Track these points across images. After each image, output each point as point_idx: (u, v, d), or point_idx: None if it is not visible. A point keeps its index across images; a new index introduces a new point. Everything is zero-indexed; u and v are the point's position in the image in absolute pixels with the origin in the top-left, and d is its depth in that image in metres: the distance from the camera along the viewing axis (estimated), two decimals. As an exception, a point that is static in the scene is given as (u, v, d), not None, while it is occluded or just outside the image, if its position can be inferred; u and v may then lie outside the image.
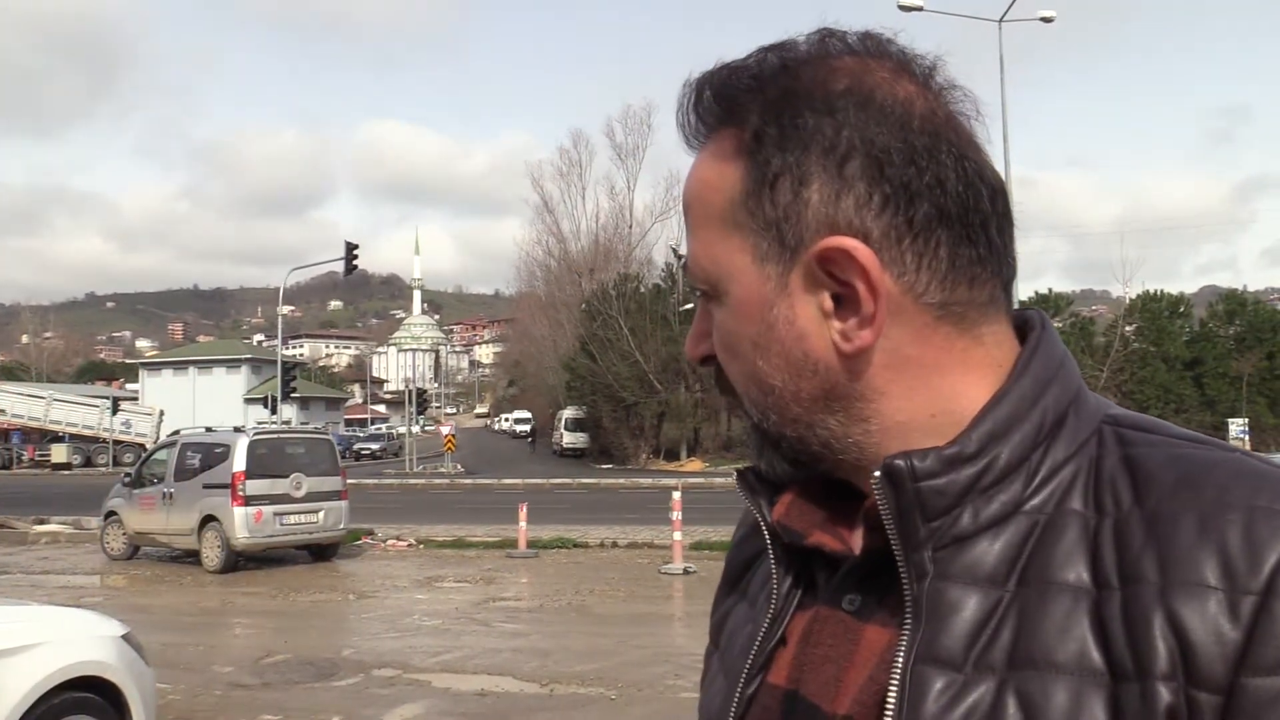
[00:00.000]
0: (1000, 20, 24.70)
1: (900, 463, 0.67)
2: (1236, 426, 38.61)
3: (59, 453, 48.68)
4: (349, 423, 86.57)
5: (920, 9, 23.42)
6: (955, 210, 0.69)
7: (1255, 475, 0.64)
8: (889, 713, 0.66)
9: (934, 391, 0.71)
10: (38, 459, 49.33)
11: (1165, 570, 0.61)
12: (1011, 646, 0.64)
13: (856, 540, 0.74)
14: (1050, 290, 47.48)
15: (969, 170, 0.70)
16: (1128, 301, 46.06)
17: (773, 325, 0.71)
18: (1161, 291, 46.79)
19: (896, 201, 0.68)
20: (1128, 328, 44.75)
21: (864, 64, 0.71)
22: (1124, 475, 0.67)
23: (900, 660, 0.66)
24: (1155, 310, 45.80)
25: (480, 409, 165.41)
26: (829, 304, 0.70)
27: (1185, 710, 0.59)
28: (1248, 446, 36.65)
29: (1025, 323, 0.76)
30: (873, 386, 0.71)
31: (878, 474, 0.68)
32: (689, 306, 45.66)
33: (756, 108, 0.71)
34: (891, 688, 0.66)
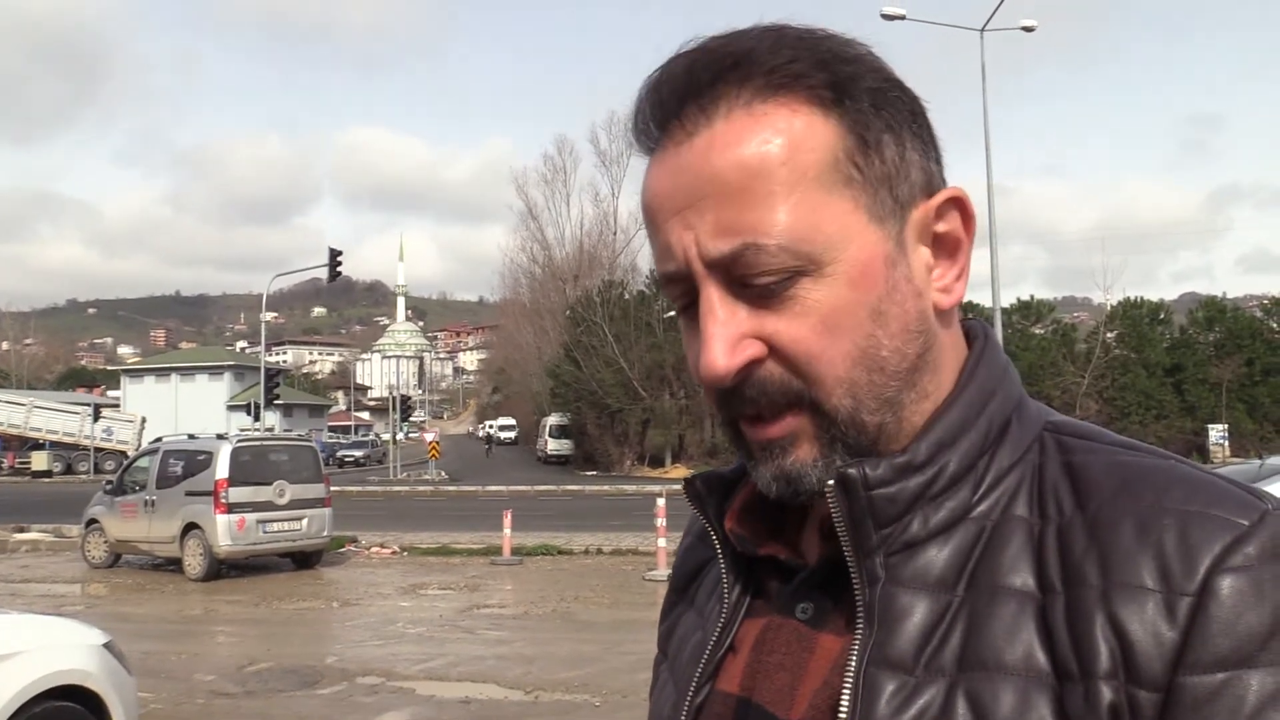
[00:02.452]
0: (982, 29, 24.83)
1: (854, 471, 0.68)
2: (1216, 432, 38.89)
3: (39, 460, 48.26)
4: (332, 430, 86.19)
5: (903, 17, 23.55)
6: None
7: (1190, 481, 0.66)
8: (842, 716, 0.67)
9: (943, 369, 0.73)
10: (18, 466, 48.90)
11: (1106, 573, 0.63)
12: (961, 649, 0.65)
13: (809, 548, 0.76)
14: (1032, 297, 47.81)
15: None
16: (1109, 308, 46.34)
17: (896, 286, 0.68)
18: (1142, 298, 47.12)
19: (940, 163, 0.73)
20: (1109, 334, 45.02)
21: (841, 40, 0.73)
22: (1065, 482, 0.69)
23: (853, 664, 0.67)
24: (1136, 317, 46.09)
25: (459, 419, 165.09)
26: (930, 259, 0.72)
27: (1127, 708, 0.61)
28: (1227, 452, 36.93)
29: (968, 333, 0.78)
30: (943, 352, 0.73)
31: (831, 483, 0.69)
32: (673, 313, 45.55)
33: (820, 72, 0.67)
34: (845, 691, 0.67)
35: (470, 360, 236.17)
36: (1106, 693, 0.61)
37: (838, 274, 0.66)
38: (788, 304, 0.67)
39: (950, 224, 0.71)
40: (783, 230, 0.65)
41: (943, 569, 0.68)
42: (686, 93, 0.68)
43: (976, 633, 0.65)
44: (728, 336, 0.67)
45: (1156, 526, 0.63)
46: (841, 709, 0.67)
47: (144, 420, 52.91)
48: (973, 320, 0.79)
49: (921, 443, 0.70)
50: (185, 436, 16.75)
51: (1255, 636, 0.60)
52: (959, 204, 0.71)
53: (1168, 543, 0.62)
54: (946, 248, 0.71)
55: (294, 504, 15.03)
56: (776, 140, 0.66)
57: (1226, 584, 0.60)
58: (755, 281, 0.66)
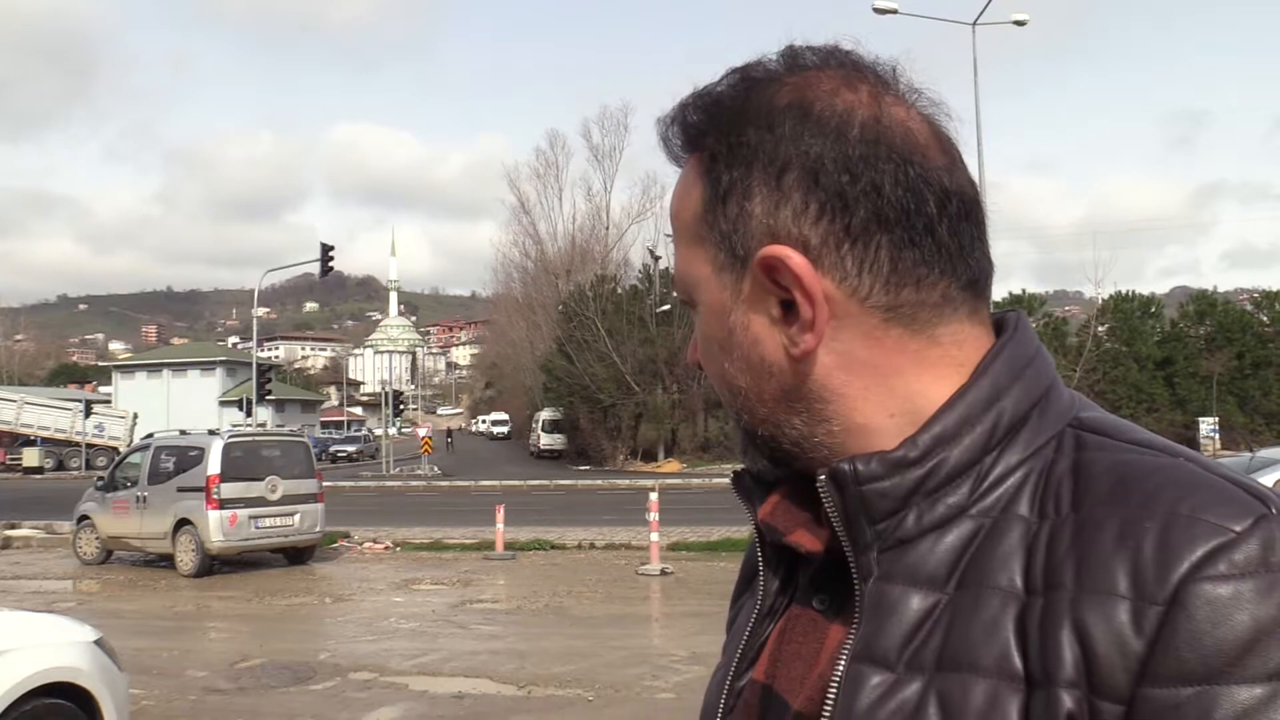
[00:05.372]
0: (974, 23, 24.86)
1: (845, 466, 0.69)
2: (1207, 425, 39.06)
3: (31, 456, 48.08)
4: (325, 425, 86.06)
5: (895, 12, 23.55)
6: (894, 215, 0.70)
7: (1188, 482, 0.63)
8: (827, 708, 0.68)
9: (890, 393, 0.72)
10: (9, 463, 48.70)
11: (1080, 578, 0.62)
12: (942, 648, 0.65)
13: (825, 540, 0.76)
14: (1024, 291, 47.97)
15: (911, 175, 0.71)
16: (1100, 302, 46.47)
17: (733, 331, 0.75)
18: (1133, 292, 47.34)
19: (832, 209, 0.70)
20: (1100, 328, 45.15)
21: (812, 78, 0.73)
22: (1069, 480, 0.67)
23: (843, 657, 0.69)
24: (1127, 311, 46.27)
25: (451, 410, 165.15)
26: (777, 310, 0.73)
27: (1087, 718, 0.59)
28: (1218, 445, 37.08)
29: (1001, 324, 0.77)
30: (828, 388, 0.73)
31: (822, 477, 0.70)
32: (665, 308, 45.70)
33: (713, 130, 0.75)
34: (833, 684, 0.68)
35: (463, 355, 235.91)
36: (1067, 701, 0.60)
37: (701, 313, 0.78)
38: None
39: (784, 279, 0.71)
40: (676, 270, 0.81)
41: (935, 566, 0.68)
42: (676, 133, 0.79)
43: (958, 631, 0.65)
44: (694, 337, 0.82)
45: (1138, 530, 0.61)
46: (828, 700, 0.69)
47: (136, 416, 52.78)
48: (1008, 311, 0.78)
49: (918, 439, 0.69)
50: (177, 432, 16.71)
51: (1226, 651, 0.57)
52: (779, 262, 0.70)
53: (1145, 547, 0.60)
54: (790, 300, 0.71)
55: (286, 500, 15.00)
56: (676, 196, 0.79)
57: (1200, 593, 0.58)
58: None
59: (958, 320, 0.74)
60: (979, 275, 0.75)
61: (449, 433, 72.58)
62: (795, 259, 0.70)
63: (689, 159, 0.78)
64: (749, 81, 0.75)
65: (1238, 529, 0.60)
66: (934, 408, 0.71)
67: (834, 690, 0.68)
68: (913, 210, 0.70)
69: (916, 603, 0.67)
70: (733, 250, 0.73)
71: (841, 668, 0.68)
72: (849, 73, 0.74)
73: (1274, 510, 0.61)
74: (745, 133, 0.73)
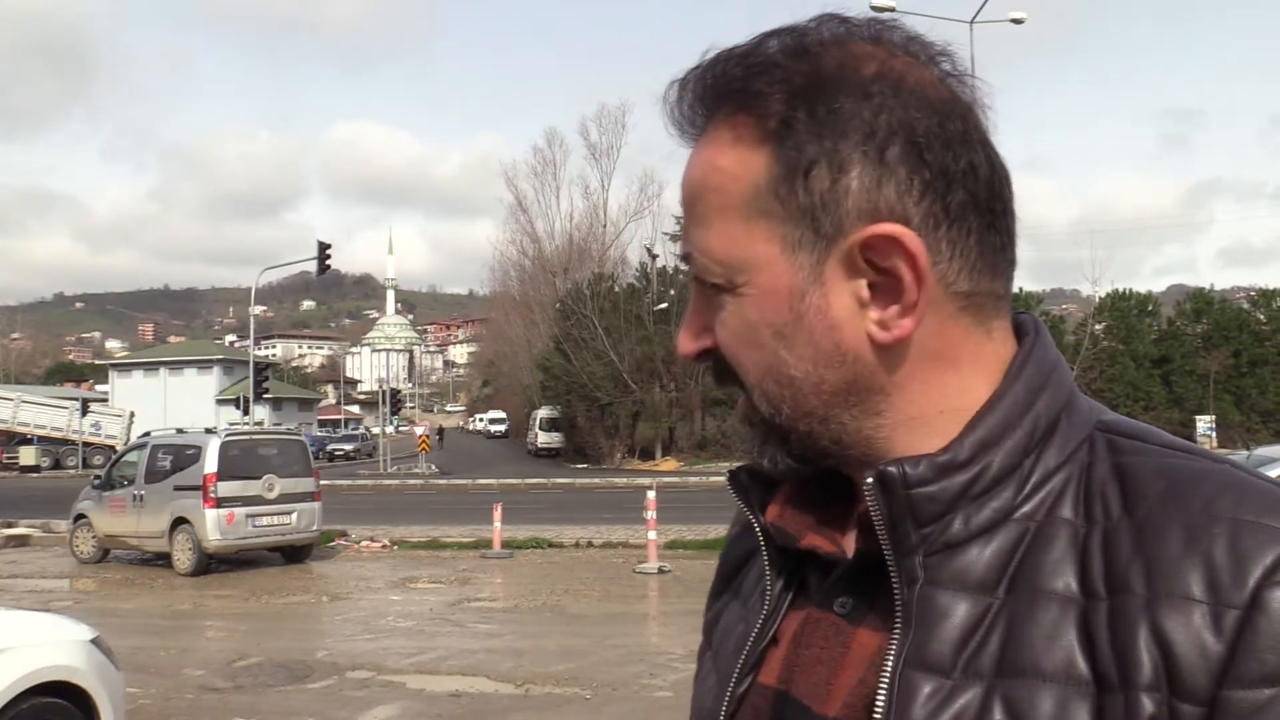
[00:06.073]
0: (971, 21, 24.86)
1: (893, 469, 0.67)
2: (1204, 423, 39.12)
3: (27, 455, 48.02)
4: (322, 423, 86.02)
5: (892, 10, 23.52)
6: (985, 197, 0.69)
7: (1242, 487, 0.64)
8: (877, 716, 0.66)
9: (946, 387, 0.71)
10: (6, 461, 48.61)
11: (1152, 582, 0.62)
12: (1000, 653, 0.64)
13: (849, 543, 0.74)
14: (1021, 289, 47.88)
15: (993, 157, 0.70)
16: (1097, 300, 46.51)
17: (803, 315, 0.70)
18: (1130, 290, 47.37)
19: (935, 187, 0.67)
20: (1097, 326, 45.18)
21: (885, 48, 0.70)
22: (1114, 484, 0.67)
23: (890, 664, 0.67)
24: (1124, 309, 46.31)
25: (455, 407, 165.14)
26: (865, 293, 0.69)
27: None
28: (1214, 443, 37.13)
29: (1019, 327, 0.76)
30: (895, 380, 0.70)
31: (870, 480, 0.68)
32: (663, 306, 45.66)
33: (780, 92, 0.69)
34: (880, 691, 0.66)
35: (460, 353, 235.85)
36: (1148, 705, 0.60)
37: (747, 296, 0.71)
38: (722, 309, 0.73)
39: (887, 260, 0.67)
40: (708, 250, 0.72)
41: (983, 570, 0.67)
42: (701, 95, 0.73)
43: (1016, 636, 0.64)
44: (692, 326, 0.76)
45: (1206, 535, 0.61)
46: (877, 709, 0.66)
47: (132, 415, 52.69)
48: (1024, 315, 0.77)
49: (964, 442, 0.68)
50: (174, 431, 16.70)
51: None
52: (890, 241, 0.66)
53: (1217, 552, 0.61)
54: (885, 282, 0.68)
55: (283, 498, 14.98)
56: (716, 165, 0.71)
57: (1277, 597, 0.59)
58: (703, 280, 0.74)
59: (1006, 315, 0.74)
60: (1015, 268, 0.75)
61: (440, 430, 72.62)
62: (910, 238, 0.66)
63: (727, 123, 0.71)
64: (816, 44, 0.70)
65: None
66: (978, 405, 0.70)
67: (882, 698, 0.66)
68: (996, 194, 0.70)
69: (966, 608, 0.66)
70: (817, 227, 0.68)
71: (888, 675, 0.66)
72: (913, 47, 0.71)
73: None
74: (834, 99, 0.67)
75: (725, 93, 0.71)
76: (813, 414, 0.72)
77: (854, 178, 0.67)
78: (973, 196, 0.68)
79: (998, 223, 0.70)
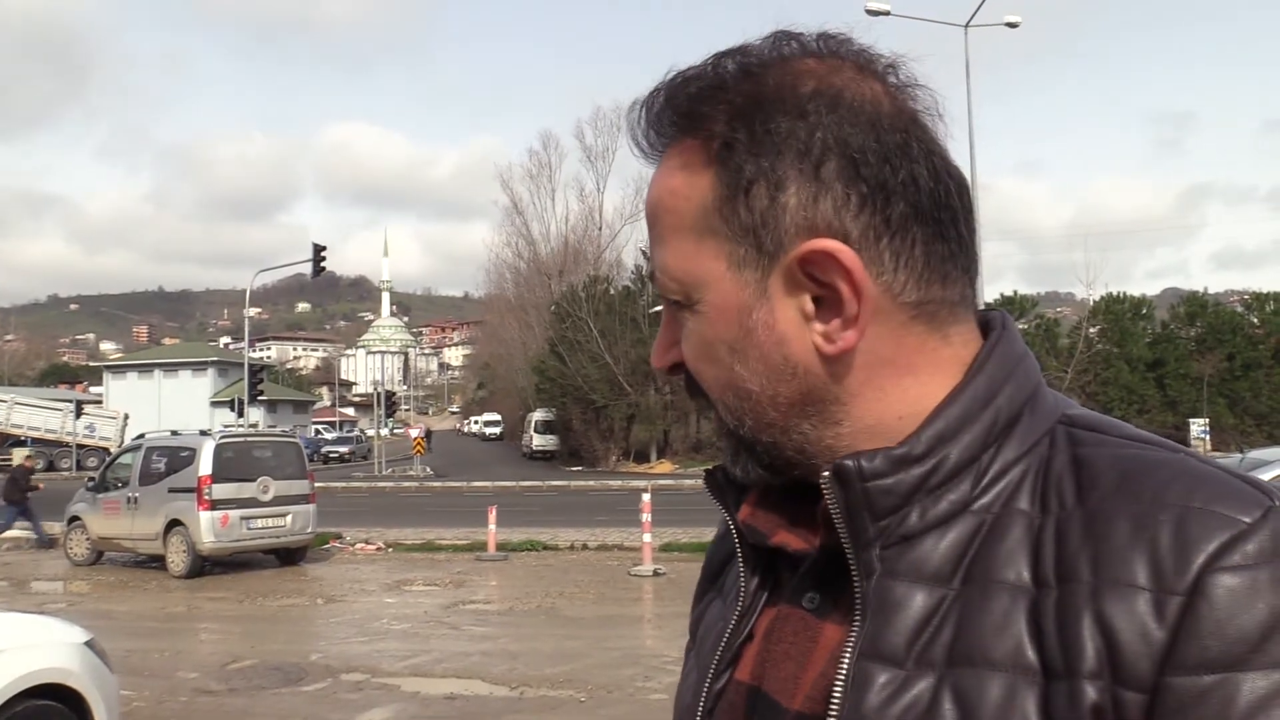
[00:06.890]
0: (966, 25, 24.89)
1: (849, 463, 0.69)
2: (1198, 426, 39.14)
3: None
4: (317, 425, 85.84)
5: (888, 13, 23.58)
6: (928, 207, 0.70)
7: (1195, 476, 0.64)
8: (833, 707, 0.67)
9: (903, 393, 0.72)
10: (-1, 464, 48.55)
11: (1098, 570, 0.62)
12: (952, 643, 0.65)
13: (817, 540, 0.75)
14: (1015, 293, 47.96)
15: (938, 166, 0.71)
16: (1091, 303, 46.55)
17: (751, 330, 0.71)
18: (1125, 294, 47.35)
19: (874, 201, 0.68)
20: (1091, 329, 45.22)
21: (827, 65, 0.72)
22: (1070, 475, 0.68)
23: (847, 656, 0.68)
24: (1118, 312, 46.32)
25: (453, 409, 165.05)
26: (810, 307, 0.70)
27: (1111, 708, 0.60)
28: (1209, 446, 37.17)
29: (987, 324, 0.77)
30: (848, 389, 0.71)
31: (826, 474, 0.69)
32: (658, 309, 45.52)
33: (722, 115, 0.71)
34: (837, 682, 0.67)
35: (455, 356, 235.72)
36: (1090, 692, 0.60)
37: (702, 313, 0.73)
38: (685, 325, 0.76)
39: (826, 274, 0.68)
40: (663, 266, 0.75)
41: (939, 562, 0.68)
42: (654, 119, 0.75)
43: (968, 626, 0.65)
44: (661, 340, 0.79)
45: (1152, 522, 0.62)
46: (834, 700, 0.67)
47: (127, 417, 52.57)
48: (993, 311, 0.78)
49: (921, 435, 0.69)
50: (168, 433, 16.69)
51: (1248, 638, 0.58)
52: (826, 256, 0.68)
53: (1162, 539, 0.61)
54: (828, 296, 0.69)
55: (278, 500, 14.97)
56: (669, 187, 0.74)
57: (1220, 583, 0.59)
58: (666, 297, 0.76)
59: (966, 319, 0.74)
60: (978, 272, 0.75)
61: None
62: (845, 253, 0.67)
63: (677, 146, 0.73)
64: (758, 65, 0.72)
65: (1248, 520, 0.61)
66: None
67: (839, 689, 0.67)
68: (942, 203, 0.70)
69: (922, 599, 0.67)
70: (759, 245, 0.70)
71: (845, 666, 0.67)
72: (860, 61, 0.72)
73: (1277, 502, 0.63)
74: (771, 119, 0.69)
75: (674, 116, 0.73)
76: (774, 425, 0.73)
77: (791, 195, 0.69)
78: (915, 207, 0.69)
79: (946, 231, 0.71)
